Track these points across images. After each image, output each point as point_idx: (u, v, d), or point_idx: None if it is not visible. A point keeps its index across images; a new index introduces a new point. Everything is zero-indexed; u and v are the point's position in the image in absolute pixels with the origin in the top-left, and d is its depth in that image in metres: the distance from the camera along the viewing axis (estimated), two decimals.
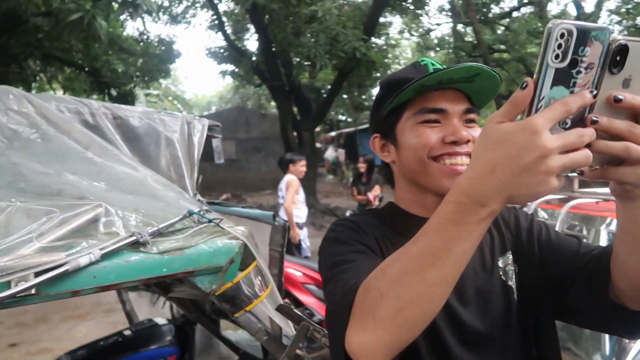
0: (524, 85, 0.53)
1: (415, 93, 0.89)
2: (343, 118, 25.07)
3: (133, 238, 0.91)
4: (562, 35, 0.50)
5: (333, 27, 9.83)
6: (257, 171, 20.33)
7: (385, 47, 13.15)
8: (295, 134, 12.88)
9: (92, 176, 1.10)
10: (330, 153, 22.33)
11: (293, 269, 4.01)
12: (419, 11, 14.28)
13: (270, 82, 12.30)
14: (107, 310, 5.07)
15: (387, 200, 1.28)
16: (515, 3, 15.42)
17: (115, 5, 8.26)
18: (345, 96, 17.50)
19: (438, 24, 18.27)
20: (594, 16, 13.50)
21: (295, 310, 1.29)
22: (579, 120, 0.54)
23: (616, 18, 14.33)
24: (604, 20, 14.39)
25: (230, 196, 14.90)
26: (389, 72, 12.66)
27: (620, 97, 0.54)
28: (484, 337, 0.87)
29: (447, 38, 16.95)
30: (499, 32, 15.19)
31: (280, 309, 1.28)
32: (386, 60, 13.07)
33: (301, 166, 5.47)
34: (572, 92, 0.53)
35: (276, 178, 7.34)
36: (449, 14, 15.68)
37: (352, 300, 0.67)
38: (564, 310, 0.88)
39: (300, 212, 5.42)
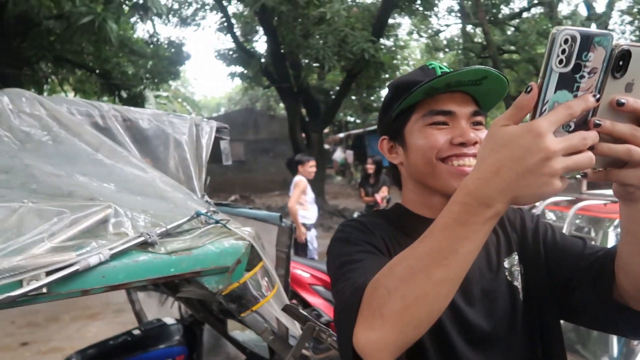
0: (529, 89, 0.54)
1: (424, 95, 0.90)
2: (351, 119, 25.04)
3: (142, 238, 0.93)
4: (565, 41, 0.51)
5: (342, 28, 9.84)
6: (266, 172, 20.36)
7: (394, 48, 13.12)
8: (303, 135, 12.88)
9: (102, 177, 1.12)
10: (338, 154, 22.32)
11: (301, 270, 4.00)
12: (428, 12, 14.24)
13: (278, 84, 12.32)
14: (116, 310, 5.12)
15: (394, 201, 1.29)
16: (525, 4, 15.31)
17: (126, 8, 8.36)
18: (353, 97, 17.47)
19: (447, 25, 18.27)
20: (605, 16, 13.34)
21: (301, 311, 1.30)
22: (582, 123, 0.55)
23: (628, 18, 14.19)
24: (615, 20, 14.26)
25: (238, 197, 14.92)
26: (397, 73, 12.63)
27: (622, 100, 0.55)
28: (489, 337, 0.87)
29: (456, 39, 16.85)
30: (509, 33, 15.06)
31: (286, 309, 1.29)
32: (395, 62, 13.07)
33: (310, 167, 5.41)
34: (575, 96, 0.54)
35: (285, 179, 7.35)
36: (458, 15, 15.59)
37: (360, 299, 0.68)
38: (569, 310, 0.89)
39: (308, 212, 5.38)
